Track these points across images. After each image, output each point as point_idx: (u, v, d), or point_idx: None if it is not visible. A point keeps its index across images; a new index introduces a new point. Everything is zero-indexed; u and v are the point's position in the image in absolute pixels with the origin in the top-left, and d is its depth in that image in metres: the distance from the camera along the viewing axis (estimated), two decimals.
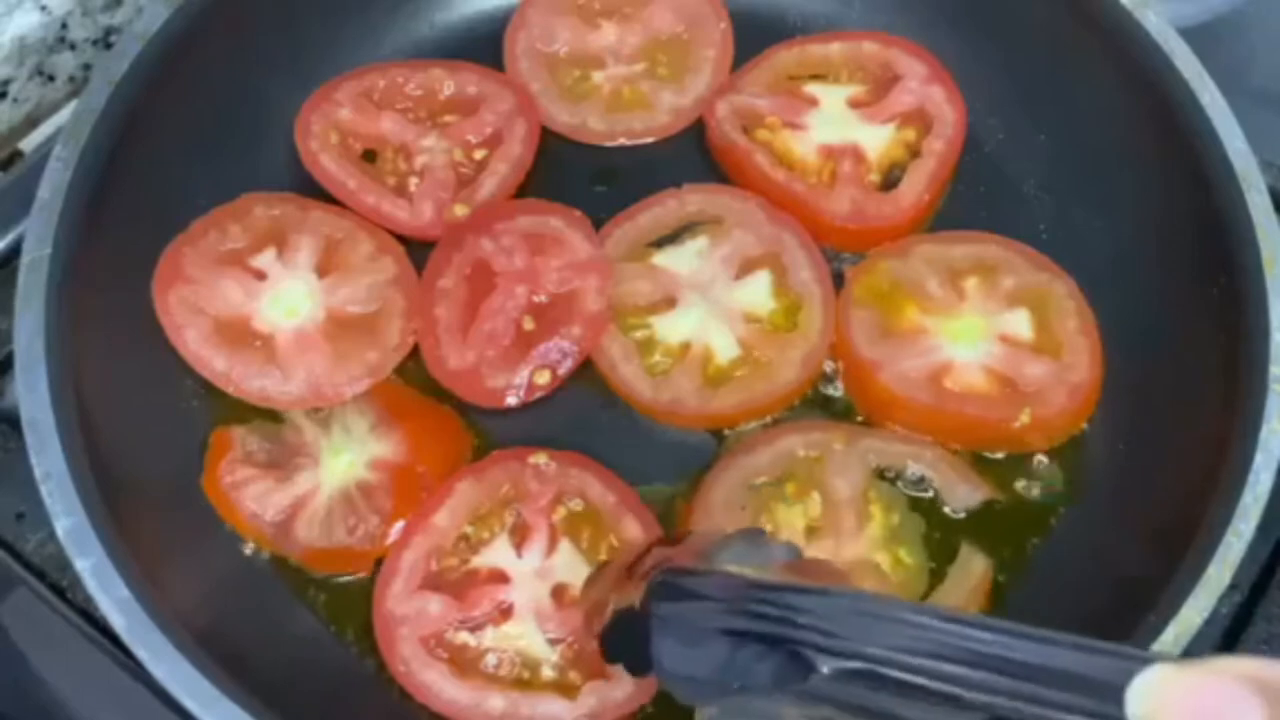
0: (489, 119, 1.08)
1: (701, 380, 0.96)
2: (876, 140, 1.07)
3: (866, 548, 0.89)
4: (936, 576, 0.89)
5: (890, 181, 1.06)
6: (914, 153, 1.06)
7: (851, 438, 0.93)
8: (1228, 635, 0.89)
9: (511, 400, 0.95)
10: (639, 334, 0.99)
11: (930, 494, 0.93)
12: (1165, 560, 0.80)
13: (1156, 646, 0.76)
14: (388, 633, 0.86)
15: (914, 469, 0.93)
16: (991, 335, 0.97)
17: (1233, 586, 0.78)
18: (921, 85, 1.07)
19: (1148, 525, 0.87)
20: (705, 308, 0.99)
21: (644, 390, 0.96)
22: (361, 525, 0.90)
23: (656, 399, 0.96)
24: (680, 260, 1.02)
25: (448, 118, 1.09)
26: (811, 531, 0.90)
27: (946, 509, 0.92)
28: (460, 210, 1.03)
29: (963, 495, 0.92)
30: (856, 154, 1.06)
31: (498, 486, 0.91)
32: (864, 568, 0.88)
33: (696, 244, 1.02)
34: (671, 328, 0.99)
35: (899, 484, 0.93)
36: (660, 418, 0.97)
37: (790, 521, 0.90)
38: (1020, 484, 0.94)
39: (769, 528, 0.90)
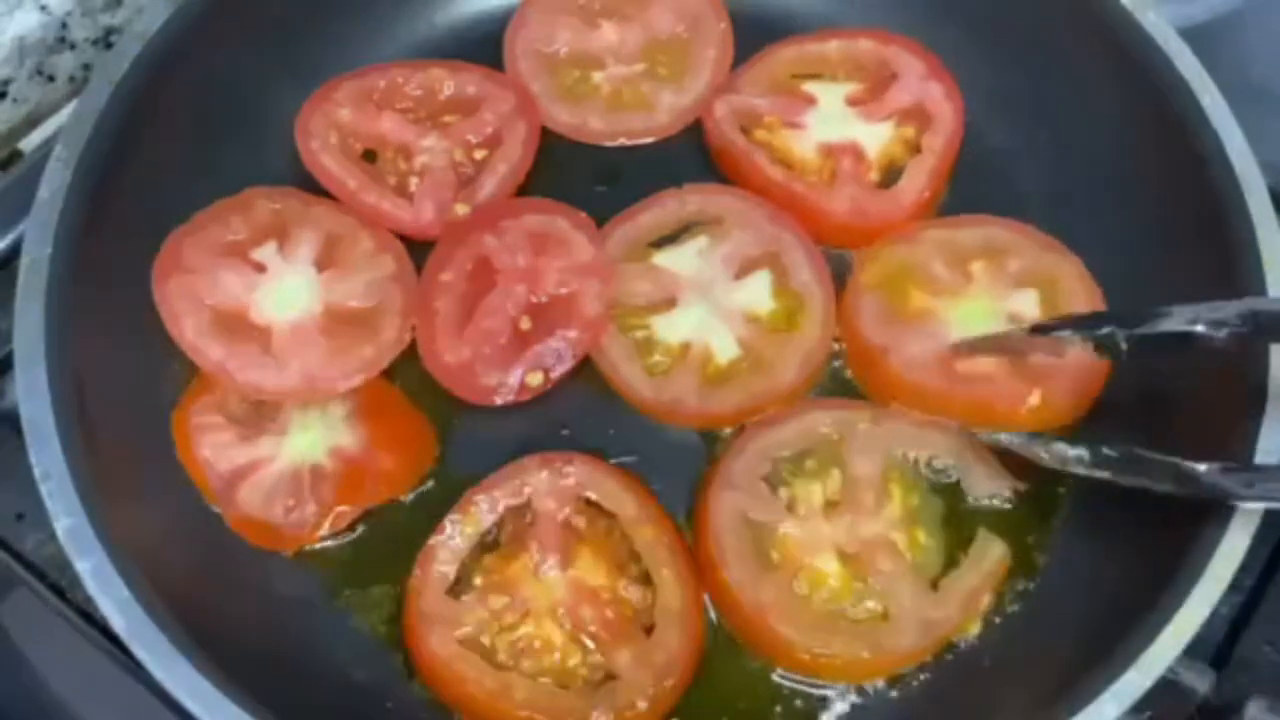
0: (489, 119, 1.08)
1: (701, 380, 0.96)
2: (875, 138, 1.07)
3: (885, 526, 0.90)
4: (953, 559, 0.90)
5: (890, 179, 1.06)
6: (913, 150, 1.06)
7: (876, 419, 0.93)
8: (1228, 635, 0.89)
9: (500, 400, 0.96)
10: (639, 334, 0.99)
11: (953, 479, 0.93)
12: (1165, 560, 0.80)
13: (1156, 646, 0.76)
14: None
15: (937, 454, 0.93)
16: (1000, 317, 0.97)
17: (1233, 586, 0.78)
18: (920, 82, 1.07)
19: (1148, 525, 0.87)
20: (705, 308, 0.99)
21: (644, 390, 0.96)
22: (298, 510, 0.90)
23: (657, 399, 0.96)
24: (680, 260, 1.02)
25: (448, 118, 1.09)
26: (830, 506, 0.91)
27: (968, 498, 0.93)
28: (461, 210, 1.03)
29: (984, 484, 0.92)
30: (856, 152, 1.06)
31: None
32: (881, 545, 0.88)
33: (696, 244, 1.02)
34: (671, 328, 0.99)
35: (921, 467, 0.93)
36: (661, 418, 0.97)
37: (809, 495, 0.91)
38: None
39: (786, 499, 0.91)
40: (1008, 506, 0.93)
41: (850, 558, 0.89)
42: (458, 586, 0.88)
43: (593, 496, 0.91)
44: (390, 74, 1.09)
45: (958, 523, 0.92)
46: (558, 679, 0.85)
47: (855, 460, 0.92)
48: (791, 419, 0.94)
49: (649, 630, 0.86)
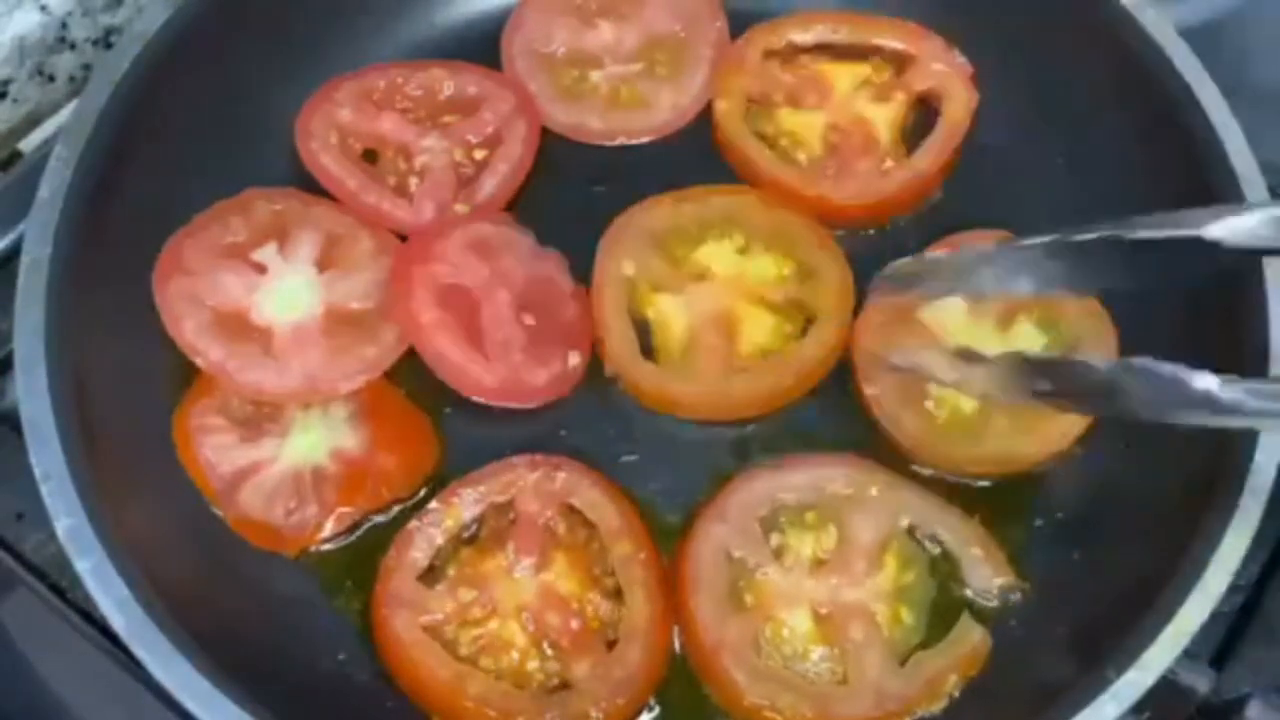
0: (489, 119, 1.08)
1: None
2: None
3: (868, 596, 0.88)
4: (932, 638, 0.88)
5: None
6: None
7: (891, 486, 0.91)
8: (1228, 635, 0.89)
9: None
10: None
11: (953, 563, 0.91)
12: (1166, 560, 0.80)
13: (1156, 646, 0.76)
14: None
15: (944, 535, 0.91)
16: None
17: (1233, 586, 0.78)
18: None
19: (1149, 525, 0.87)
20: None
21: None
22: (299, 511, 0.90)
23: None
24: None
25: (448, 118, 1.09)
26: (818, 564, 0.89)
27: (966, 587, 0.90)
28: (461, 209, 1.03)
29: (985, 577, 0.90)
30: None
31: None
32: (859, 614, 0.87)
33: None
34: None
35: (925, 545, 0.91)
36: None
37: (799, 546, 0.90)
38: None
39: (776, 545, 0.90)
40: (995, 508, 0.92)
41: (823, 619, 0.87)
42: (430, 574, 0.89)
43: (576, 504, 0.90)
44: (390, 74, 1.09)
45: (946, 606, 0.89)
46: (514, 680, 0.85)
47: (857, 523, 0.90)
48: (803, 467, 0.92)
49: (611, 645, 0.86)
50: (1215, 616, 0.78)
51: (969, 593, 0.90)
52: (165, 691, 0.74)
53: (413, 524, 0.90)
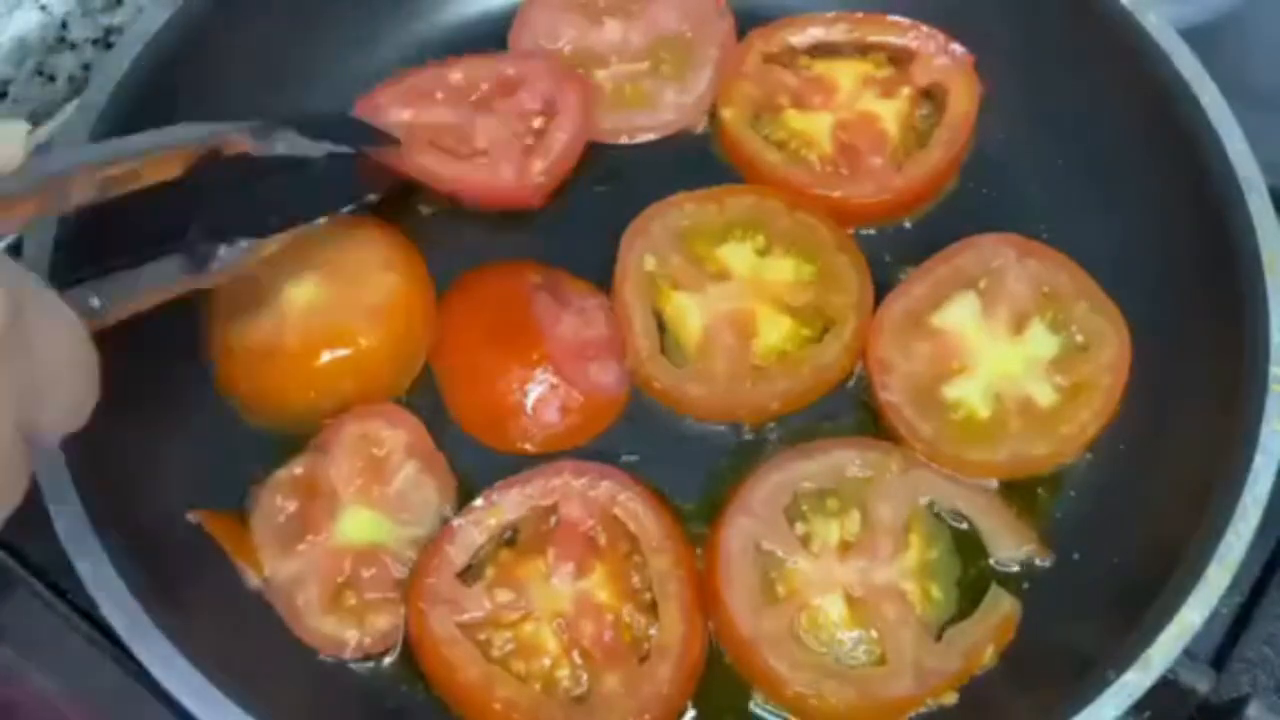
0: (540, 89, 1.07)
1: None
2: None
3: (897, 575, 0.88)
4: (963, 612, 0.88)
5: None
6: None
7: (907, 466, 0.92)
8: (1228, 635, 0.89)
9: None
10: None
11: (977, 536, 0.91)
12: (1165, 560, 0.80)
13: (1156, 647, 0.76)
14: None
15: (964, 509, 0.91)
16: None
17: (1233, 587, 0.78)
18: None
19: (1148, 525, 0.87)
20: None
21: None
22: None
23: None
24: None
25: (497, 101, 1.08)
26: (845, 548, 0.89)
27: (990, 558, 0.91)
28: (538, 167, 1.03)
29: (1009, 547, 0.90)
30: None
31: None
32: (890, 594, 0.87)
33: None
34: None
35: (947, 520, 0.91)
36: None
37: (825, 533, 0.90)
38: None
39: (802, 533, 0.90)
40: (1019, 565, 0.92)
41: (856, 602, 0.88)
42: (469, 573, 0.88)
43: (619, 514, 0.90)
44: (428, 72, 1.08)
45: (974, 579, 0.90)
46: (542, 685, 0.85)
47: (879, 505, 0.90)
48: (821, 453, 0.92)
49: (643, 659, 0.86)
50: (1215, 616, 0.78)
51: (994, 564, 0.91)
52: (165, 691, 0.74)
53: (455, 521, 0.89)
